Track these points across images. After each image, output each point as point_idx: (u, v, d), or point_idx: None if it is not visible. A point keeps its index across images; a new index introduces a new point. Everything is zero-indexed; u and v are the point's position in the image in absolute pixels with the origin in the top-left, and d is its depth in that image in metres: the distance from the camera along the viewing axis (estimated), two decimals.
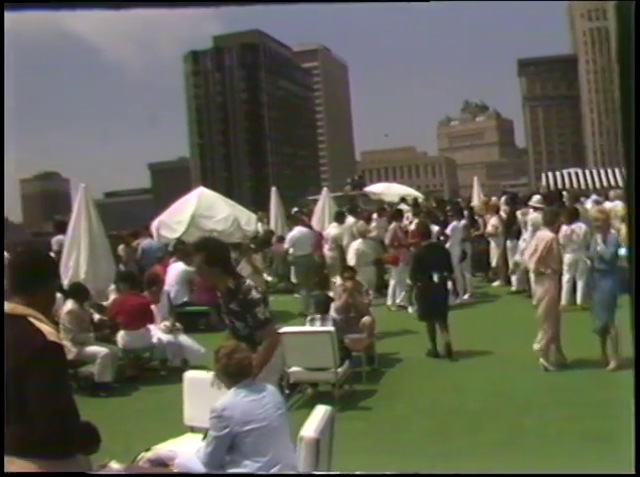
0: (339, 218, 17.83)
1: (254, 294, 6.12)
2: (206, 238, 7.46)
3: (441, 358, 11.11)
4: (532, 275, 12.67)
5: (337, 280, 11.61)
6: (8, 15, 1.75)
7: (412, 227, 15.93)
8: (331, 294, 10.91)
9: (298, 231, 16.82)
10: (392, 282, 15.91)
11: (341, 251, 16.88)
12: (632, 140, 1.34)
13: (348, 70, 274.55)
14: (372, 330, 10.61)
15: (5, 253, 12.00)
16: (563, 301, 12.41)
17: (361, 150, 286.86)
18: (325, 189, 24.95)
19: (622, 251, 15.12)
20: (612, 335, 9.82)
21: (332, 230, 17.55)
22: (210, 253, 6.21)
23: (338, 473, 5.44)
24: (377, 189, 31.75)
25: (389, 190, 30.83)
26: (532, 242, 10.11)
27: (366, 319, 10.58)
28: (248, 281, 6.31)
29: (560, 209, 14.06)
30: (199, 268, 6.44)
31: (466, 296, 16.30)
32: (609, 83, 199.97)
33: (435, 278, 11.25)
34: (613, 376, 9.47)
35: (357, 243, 15.22)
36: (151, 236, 17.28)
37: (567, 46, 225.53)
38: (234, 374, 4.98)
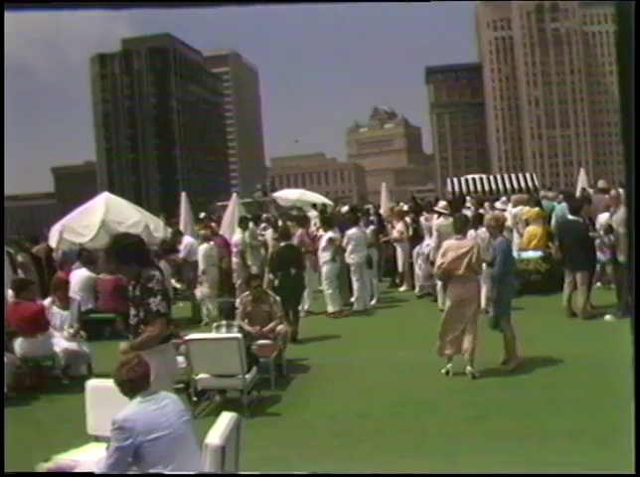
0: (242, 224, 17.85)
1: (154, 285, 6.10)
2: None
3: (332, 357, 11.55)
4: (438, 281, 12.92)
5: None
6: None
7: (320, 233, 16.05)
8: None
9: (188, 238, 17.34)
10: None
11: (243, 257, 16.95)
12: (632, 140, 1.35)
13: (258, 75, 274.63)
14: (285, 339, 10.66)
15: None
16: None
17: (271, 156, 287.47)
18: (234, 195, 24.87)
19: (528, 255, 15.59)
20: (508, 336, 10.10)
21: (236, 235, 17.64)
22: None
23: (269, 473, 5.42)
24: (286, 195, 31.86)
25: (291, 196, 31.09)
26: (449, 249, 10.11)
27: (280, 328, 10.64)
28: (156, 272, 6.27)
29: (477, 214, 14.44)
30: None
31: (373, 301, 16.46)
32: (513, 91, 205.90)
33: (292, 273, 13.20)
34: (514, 376, 9.73)
35: (203, 246, 15.69)
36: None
37: (473, 54, 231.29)
38: (120, 387, 4.96)
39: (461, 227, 10.53)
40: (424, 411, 8.56)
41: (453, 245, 10.06)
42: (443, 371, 9.96)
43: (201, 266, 15.35)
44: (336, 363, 11.23)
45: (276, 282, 13.24)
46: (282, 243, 14.17)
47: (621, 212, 13.34)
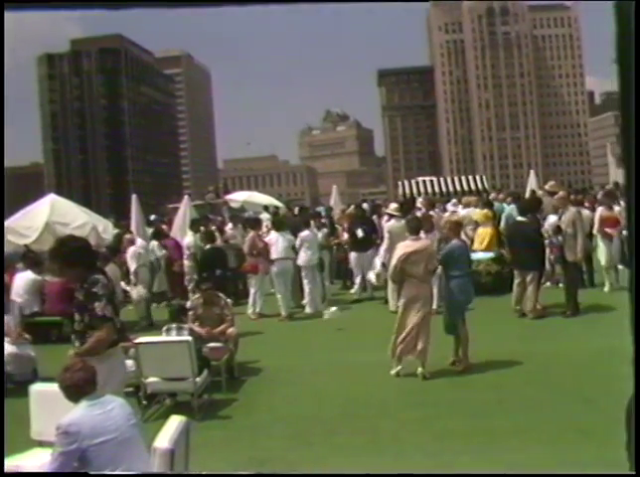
0: (194, 226, 17.74)
1: (99, 289, 6.03)
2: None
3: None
4: (390, 283, 12.96)
5: None
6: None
7: (269, 236, 16.00)
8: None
9: (140, 241, 17.12)
10: (252, 291, 15.88)
11: (195, 260, 16.83)
12: (632, 140, 1.34)
13: (211, 77, 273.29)
14: (236, 341, 10.60)
15: None
16: None
17: (223, 158, 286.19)
18: (186, 197, 24.69)
19: (478, 256, 15.72)
20: (463, 338, 10.17)
21: (187, 238, 17.50)
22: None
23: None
24: (238, 197, 31.74)
25: (238, 197, 31.04)
26: (402, 250, 10.11)
27: (231, 330, 10.56)
28: (100, 276, 6.20)
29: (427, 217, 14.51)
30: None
31: (325, 304, 16.41)
32: (464, 93, 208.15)
33: (217, 273, 14.44)
34: (464, 376, 9.81)
35: (131, 248, 15.74)
36: None
37: (425, 57, 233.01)
38: (64, 392, 4.88)
39: (415, 228, 10.58)
40: (375, 413, 8.58)
41: (408, 247, 10.09)
42: (393, 372, 9.99)
43: (131, 268, 15.26)
44: (287, 365, 11.18)
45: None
46: (207, 246, 15.41)
47: (569, 213, 13.56)
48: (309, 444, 7.65)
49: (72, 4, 1.53)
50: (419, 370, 9.82)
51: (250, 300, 15.83)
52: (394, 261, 10.24)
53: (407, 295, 10.02)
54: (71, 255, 6.18)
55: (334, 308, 14.02)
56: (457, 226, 11.12)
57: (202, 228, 18.19)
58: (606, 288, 15.26)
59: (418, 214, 15.60)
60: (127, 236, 16.98)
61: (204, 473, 5.81)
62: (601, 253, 15.57)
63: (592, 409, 7.76)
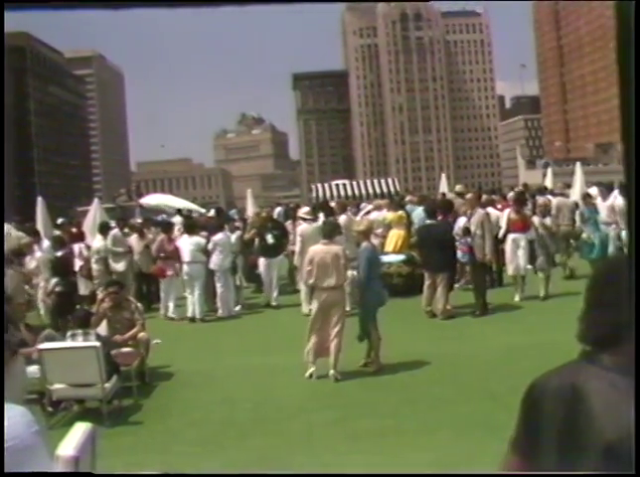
0: (103, 230, 17.35)
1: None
2: None
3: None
4: (303, 287, 13.00)
5: None
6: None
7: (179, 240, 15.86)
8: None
9: (46, 243, 16.90)
10: (162, 295, 15.73)
11: (105, 264, 16.48)
12: (632, 141, 1.34)
13: (124, 78, 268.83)
14: (147, 346, 10.44)
15: None
16: None
17: (136, 161, 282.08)
18: (96, 200, 24.18)
19: (390, 258, 15.89)
20: (374, 340, 10.27)
21: (96, 242, 17.08)
22: None
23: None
24: (151, 200, 31.38)
25: (152, 201, 30.73)
26: (316, 255, 10.11)
27: (142, 335, 10.40)
28: None
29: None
30: None
31: (238, 307, 16.30)
32: (378, 97, 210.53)
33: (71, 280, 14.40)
34: (375, 377, 9.92)
35: (41, 252, 15.54)
36: None
37: (340, 61, 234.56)
38: None
39: (329, 232, 10.59)
40: (287, 415, 8.57)
41: (320, 251, 10.11)
42: (307, 374, 10.01)
43: (43, 273, 14.83)
44: (199, 370, 11.08)
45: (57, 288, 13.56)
46: (58, 253, 15.25)
47: (477, 214, 13.84)
48: (221, 448, 7.62)
49: (72, 4, 1.51)
50: (331, 372, 9.86)
51: (161, 304, 15.68)
52: (306, 266, 10.28)
53: (320, 298, 10.06)
54: None
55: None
56: (365, 228, 11.22)
57: (114, 230, 17.82)
58: (516, 298, 14.47)
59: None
60: (26, 240, 16.30)
61: (112, 473, 5.72)
62: (508, 261, 15.06)
63: (499, 406, 7.93)
